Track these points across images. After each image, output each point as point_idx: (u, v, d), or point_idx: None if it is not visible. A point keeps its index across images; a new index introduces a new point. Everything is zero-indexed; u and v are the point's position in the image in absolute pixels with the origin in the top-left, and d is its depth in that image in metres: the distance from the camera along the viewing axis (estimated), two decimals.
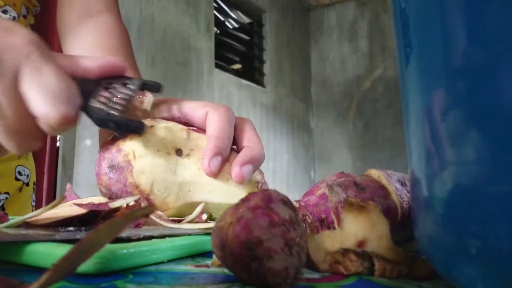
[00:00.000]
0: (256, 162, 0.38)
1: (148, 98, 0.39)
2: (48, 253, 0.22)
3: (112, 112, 0.34)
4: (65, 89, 0.31)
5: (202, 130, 0.40)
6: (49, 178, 1.72)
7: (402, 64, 0.18)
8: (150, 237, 0.27)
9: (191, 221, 0.35)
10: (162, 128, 0.38)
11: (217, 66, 2.99)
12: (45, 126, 0.32)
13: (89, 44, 0.57)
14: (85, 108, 0.34)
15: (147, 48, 2.44)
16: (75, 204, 0.32)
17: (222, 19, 3.30)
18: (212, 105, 0.40)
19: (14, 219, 0.30)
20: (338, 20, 4.01)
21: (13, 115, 0.31)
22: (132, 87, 0.37)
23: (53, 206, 0.31)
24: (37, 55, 0.30)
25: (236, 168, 0.37)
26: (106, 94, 0.35)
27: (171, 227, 0.32)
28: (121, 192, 0.36)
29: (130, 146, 0.37)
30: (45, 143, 1.68)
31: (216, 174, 0.37)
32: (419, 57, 0.16)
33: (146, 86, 0.39)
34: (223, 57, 3.15)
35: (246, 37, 3.44)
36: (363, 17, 3.89)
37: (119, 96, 0.36)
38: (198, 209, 0.36)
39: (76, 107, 0.32)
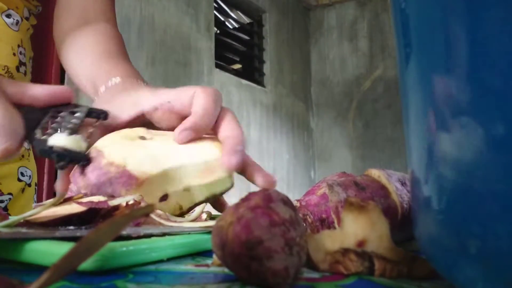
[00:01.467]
0: (241, 145, 0.38)
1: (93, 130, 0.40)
2: (48, 251, 0.22)
3: (55, 143, 0.34)
4: (7, 123, 0.32)
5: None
6: (49, 178, 1.73)
7: (402, 64, 0.18)
8: (150, 235, 0.27)
9: (191, 220, 0.35)
10: (122, 131, 0.39)
11: (217, 66, 2.99)
12: None
13: (86, 50, 0.56)
14: (29, 138, 0.35)
15: (147, 48, 2.44)
16: (74, 202, 0.32)
17: (222, 19, 3.30)
18: (200, 86, 0.41)
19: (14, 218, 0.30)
20: (338, 20, 4.01)
21: None
22: (79, 114, 0.38)
23: (53, 204, 0.31)
24: None
25: (226, 157, 0.37)
26: (52, 123, 0.36)
27: (171, 226, 0.32)
28: (100, 179, 0.35)
29: (96, 144, 0.37)
30: None
31: (181, 142, 0.38)
32: (419, 57, 0.16)
33: (93, 114, 0.40)
34: (223, 57, 3.14)
35: (246, 37, 3.44)
36: (363, 17, 3.89)
37: (65, 126, 0.36)
38: (199, 210, 0.36)
39: (18, 141, 0.33)
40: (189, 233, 0.30)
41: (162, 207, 0.37)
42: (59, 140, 0.35)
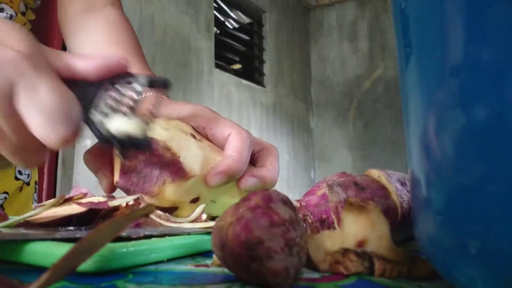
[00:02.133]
0: (263, 182, 0.39)
1: (156, 100, 0.37)
2: (48, 252, 0.22)
3: (116, 128, 0.31)
4: (62, 107, 0.28)
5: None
6: (49, 178, 1.73)
7: (402, 64, 0.18)
8: (150, 236, 0.27)
9: (191, 221, 0.35)
10: (173, 121, 0.38)
11: (217, 66, 2.99)
12: (48, 145, 0.30)
13: (101, 40, 0.56)
14: (87, 120, 0.31)
15: (147, 48, 2.44)
16: (74, 202, 0.32)
17: (222, 19, 3.30)
18: (236, 127, 0.39)
19: (14, 218, 0.30)
20: (338, 20, 4.01)
21: (14, 136, 0.29)
22: (137, 87, 0.33)
23: (52, 205, 0.31)
24: (31, 71, 0.28)
25: (245, 176, 0.38)
26: (108, 100, 0.32)
27: (171, 227, 0.32)
28: (153, 159, 0.35)
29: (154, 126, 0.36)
30: None
31: (213, 187, 0.37)
32: (419, 57, 0.16)
33: (154, 83, 0.35)
34: (223, 57, 3.15)
35: (246, 37, 3.44)
36: (363, 17, 3.89)
37: (124, 102, 0.32)
38: (198, 210, 0.36)
39: (76, 125, 0.30)
40: (189, 234, 0.30)
41: (189, 207, 0.37)
42: (120, 124, 0.31)
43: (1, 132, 0.29)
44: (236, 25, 3.53)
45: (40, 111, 0.28)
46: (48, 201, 0.32)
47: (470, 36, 0.14)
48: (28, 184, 0.68)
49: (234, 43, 3.27)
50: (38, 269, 0.22)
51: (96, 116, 0.31)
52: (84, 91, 0.31)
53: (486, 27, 0.13)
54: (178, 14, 2.69)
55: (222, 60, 3.12)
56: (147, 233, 0.27)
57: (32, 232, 0.26)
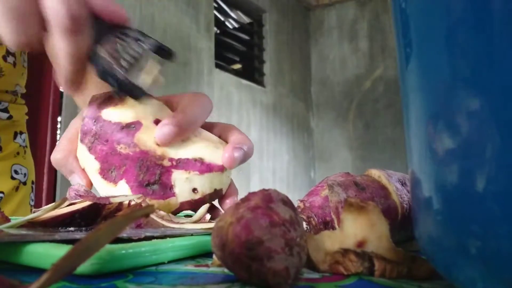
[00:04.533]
0: (248, 150, 0.38)
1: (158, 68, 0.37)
2: (48, 253, 0.22)
3: (117, 68, 0.32)
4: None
5: None
6: (48, 178, 1.72)
7: (402, 64, 0.18)
8: (151, 238, 0.27)
9: (194, 222, 0.35)
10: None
11: (217, 66, 2.99)
12: (51, 23, 0.30)
13: None
14: (92, 54, 0.32)
15: None
16: (77, 195, 0.32)
17: (222, 19, 3.30)
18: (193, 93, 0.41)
19: (15, 219, 0.30)
20: (338, 20, 4.01)
21: None
22: (145, 46, 0.34)
23: (55, 208, 0.30)
24: None
25: (228, 151, 0.37)
26: (116, 45, 0.33)
27: (173, 227, 0.32)
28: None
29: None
30: (44, 142, 1.68)
31: (164, 143, 0.37)
32: (419, 57, 0.16)
33: (160, 51, 0.36)
34: (223, 57, 3.15)
35: (246, 37, 3.44)
36: (363, 17, 3.89)
37: (129, 52, 0.33)
38: (202, 210, 0.36)
39: (84, 16, 0.30)
40: (191, 235, 0.30)
41: (191, 196, 0.38)
42: (121, 66, 0.32)
43: None
44: (236, 25, 3.54)
45: None
46: (50, 205, 0.31)
47: (471, 35, 0.14)
48: (24, 183, 0.67)
49: (234, 43, 3.27)
50: (38, 270, 0.22)
51: (101, 52, 0.32)
52: (96, 25, 0.32)
53: (487, 25, 0.13)
54: (178, 14, 2.69)
55: (222, 60, 3.12)
56: (148, 234, 0.27)
57: (31, 233, 0.26)
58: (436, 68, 0.15)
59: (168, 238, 0.27)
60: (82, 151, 0.38)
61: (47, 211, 0.30)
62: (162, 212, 0.34)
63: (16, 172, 0.66)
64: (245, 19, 3.57)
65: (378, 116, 3.68)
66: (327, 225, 0.30)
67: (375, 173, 0.32)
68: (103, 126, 0.37)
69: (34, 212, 0.30)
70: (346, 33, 3.96)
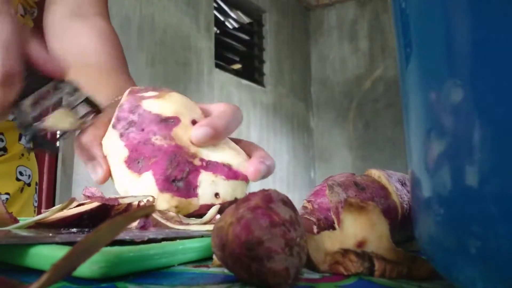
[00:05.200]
0: (271, 166, 0.39)
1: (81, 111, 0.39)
2: (49, 255, 0.22)
3: (35, 125, 0.33)
4: (13, 42, 0.31)
5: None
6: (49, 178, 1.73)
7: (402, 64, 0.18)
8: (154, 240, 0.26)
9: (204, 223, 0.34)
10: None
11: (217, 66, 2.99)
12: None
13: (85, 46, 0.56)
14: (15, 107, 0.33)
15: (147, 48, 2.44)
16: (85, 195, 0.32)
17: (222, 19, 3.30)
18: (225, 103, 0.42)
19: (23, 220, 0.30)
20: (338, 20, 4.01)
21: None
22: (74, 98, 0.36)
23: (63, 208, 0.30)
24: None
25: (254, 163, 0.38)
26: (45, 98, 0.35)
27: (178, 229, 0.31)
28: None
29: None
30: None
31: (199, 143, 0.38)
32: (419, 57, 0.16)
33: (90, 105, 0.38)
34: (223, 57, 3.15)
35: (246, 37, 3.44)
36: (363, 17, 3.89)
37: (54, 105, 0.35)
38: (212, 211, 0.35)
39: (17, 73, 0.31)
40: (201, 237, 0.28)
41: (212, 200, 0.38)
42: (42, 121, 0.33)
43: None
44: (236, 25, 3.54)
45: None
46: (58, 206, 0.31)
47: (471, 35, 0.14)
48: (29, 185, 0.68)
49: (234, 43, 3.27)
50: (38, 270, 0.22)
51: (25, 105, 0.33)
52: (30, 79, 0.34)
53: (487, 26, 0.13)
54: (178, 14, 2.69)
55: (222, 60, 3.12)
56: (151, 236, 0.26)
57: (32, 235, 0.26)
58: (436, 68, 0.15)
59: (178, 240, 0.26)
60: (112, 137, 0.38)
61: (55, 212, 0.30)
62: (171, 213, 0.34)
63: (21, 173, 0.66)
64: (245, 19, 3.57)
65: (378, 116, 3.68)
66: (335, 229, 0.30)
67: (375, 173, 0.32)
68: (141, 114, 0.37)
69: (42, 213, 0.30)
70: (346, 33, 3.95)
